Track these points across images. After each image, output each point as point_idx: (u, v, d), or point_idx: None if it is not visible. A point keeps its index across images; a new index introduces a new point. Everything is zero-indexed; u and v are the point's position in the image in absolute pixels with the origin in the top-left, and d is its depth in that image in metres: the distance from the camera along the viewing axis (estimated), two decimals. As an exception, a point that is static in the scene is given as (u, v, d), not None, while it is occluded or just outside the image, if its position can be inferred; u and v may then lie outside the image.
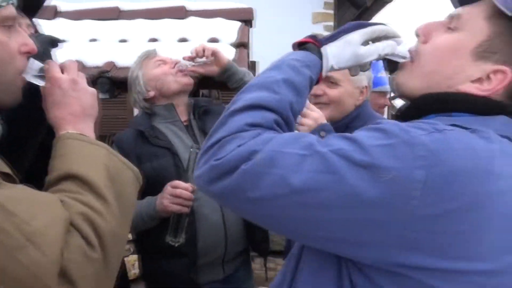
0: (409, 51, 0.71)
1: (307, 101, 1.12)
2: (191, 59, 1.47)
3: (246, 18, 2.63)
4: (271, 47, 3.41)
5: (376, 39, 0.73)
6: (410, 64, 0.70)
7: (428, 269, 0.52)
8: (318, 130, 1.07)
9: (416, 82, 0.68)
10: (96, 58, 2.22)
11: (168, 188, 1.31)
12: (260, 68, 4.33)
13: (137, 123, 1.53)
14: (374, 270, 0.56)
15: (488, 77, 0.62)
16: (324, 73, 0.73)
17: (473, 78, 0.63)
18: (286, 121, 0.63)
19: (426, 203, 0.51)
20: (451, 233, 0.52)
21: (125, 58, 2.12)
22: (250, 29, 2.98)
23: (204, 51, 1.44)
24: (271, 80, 0.65)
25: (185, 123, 1.51)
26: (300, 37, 0.76)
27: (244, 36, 2.36)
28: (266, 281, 1.73)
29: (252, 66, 4.28)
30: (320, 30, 4.16)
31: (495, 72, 0.61)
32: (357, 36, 0.71)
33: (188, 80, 1.50)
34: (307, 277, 0.64)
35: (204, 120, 1.53)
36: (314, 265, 0.63)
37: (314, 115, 1.13)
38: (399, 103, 1.16)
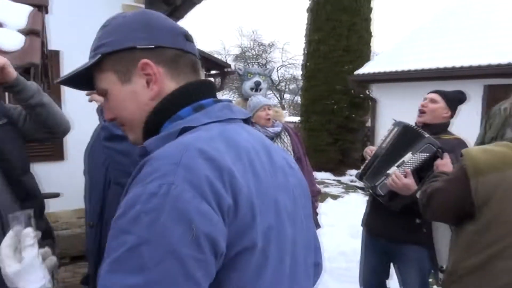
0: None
1: None
2: None
3: (39, 3, 2.37)
4: (77, 36, 3.18)
5: None
6: None
7: None
8: None
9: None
10: None
11: None
12: (65, 58, 3.97)
13: None
14: None
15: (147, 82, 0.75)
16: None
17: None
18: None
19: None
20: None
21: None
22: (47, 16, 2.70)
23: None
24: None
25: None
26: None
27: (37, 23, 2.12)
28: None
29: (55, 55, 3.88)
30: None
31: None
32: None
33: None
34: None
35: None
36: None
37: None
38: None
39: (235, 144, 0.69)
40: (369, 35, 10.50)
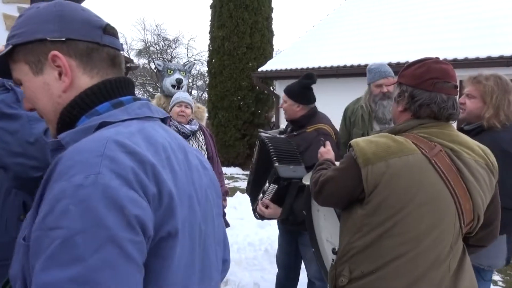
0: None
1: None
2: None
3: None
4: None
5: None
6: None
7: None
8: None
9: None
10: None
11: None
12: None
13: None
14: None
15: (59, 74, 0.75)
16: None
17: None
18: None
19: None
20: None
21: None
22: None
23: None
24: None
25: None
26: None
27: None
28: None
29: None
30: (13, 11, 3.70)
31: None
32: None
33: None
34: None
35: None
36: None
37: None
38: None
39: (154, 141, 0.72)
40: (270, 33, 10.94)
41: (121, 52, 0.84)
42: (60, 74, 0.75)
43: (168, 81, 3.48)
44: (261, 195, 2.22)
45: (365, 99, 2.85)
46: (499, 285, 3.70)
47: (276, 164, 2.09)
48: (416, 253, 1.20)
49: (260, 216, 2.26)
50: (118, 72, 0.82)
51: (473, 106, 1.89)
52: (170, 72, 3.53)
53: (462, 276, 1.24)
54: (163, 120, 0.87)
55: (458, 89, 1.36)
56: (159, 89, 3.98)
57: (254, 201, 2.41)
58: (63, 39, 0.74)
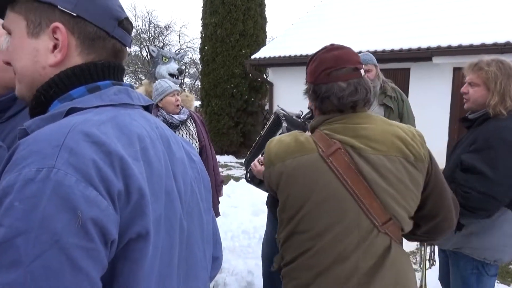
0: None
1: None
2: None
3: None
4: None
5: None
6: None
7: None
8: None
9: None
10: None
11: None
12: None
13: None
14: None
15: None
16: None
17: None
18: None
19: None
20: None
21: None
22: None
23: None
24: None
25: None
26: None
27: None
28: None
29: None
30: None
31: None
32: None
33: None
34: None
35: None
36: None
37: None
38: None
39: (127, 130, 0.66)
40: (263, 20, 10.82)
41: (128, 49, 0.80)
42: (55, 47, 0.69)
43: (164, 69, 3.41)
44: (260, 156, 2.18)
45: None
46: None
47: (284, 124, 2.07)
48: (318, 248, 1.22)
49: (250, 178, 2.22)
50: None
51: (477, 94, 1.81)
52: (165, 59, 3.46)
53: (381, 275, 1.19)
54: (147, 108, 0.81)
55: (362, 70, 1.27)
56: (147, 75, 3.85)
57: (248, 166, 2.35)
58: (74, 14, 0.68)
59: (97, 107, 0.68)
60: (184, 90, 3.36)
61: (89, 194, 0.54)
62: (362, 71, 1.27)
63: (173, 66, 3.39)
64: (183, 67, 3.42)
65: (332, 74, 1.24)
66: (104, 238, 0.55)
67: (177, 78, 3.36)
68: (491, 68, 1.76)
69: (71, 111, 0.66)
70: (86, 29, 0.70)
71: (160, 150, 0.71)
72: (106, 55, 0.73)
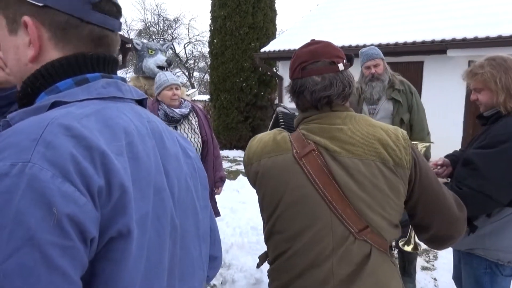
0: None
1: None
2: None
3: None
4: None
5: None
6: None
7: None
8: None
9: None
10: None
11: None
12: None
13: None
14: None
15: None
16: None
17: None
18: None
19: None
20: None
21: None
22: None
23: None
24: None
25: None
26: None
27: None
28: None
29: None
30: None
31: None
32: None
33: None
34: None
35: None
36: None
37: None
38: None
39: (113, 124, 0.62)
40: (273, 12, 10.69)
41: (117, 32, 0.74)
42: (31, 42, 0.67)
43: (152, 62, 3.34)
44: None
45: (359, 81, 3.11)
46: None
47: (282, 126, 2.06)
48: (295, 251, 1.17)
49: None
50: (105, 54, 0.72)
51: (485, 98, 1.81)
52: (151, 52, 3.39)
53: (358, 284, 1.11)
54: (140, 102, 0.77)
55: (340, 64, 1.20)
56: (134, 69, 3.77)
57: None
58: (40, 4, 0.65)
59: (81, 100, 0.65)
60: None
61: (65, 189, 0.52)
62: (340, 66, 1.21)
63: (161, 58, 3.32)
64: (171, 58, 3.36)
65: (307, 68, 1.21)
66: (82, 236, 0.53)
67: (166, 70, 3.30)
68: (485, 70, 1.75)
69: (55, 104, 0.63)
70: (56, 19, 0.67)
71: (150, 145, 0.68)
72: (84, 43, 0.69)
